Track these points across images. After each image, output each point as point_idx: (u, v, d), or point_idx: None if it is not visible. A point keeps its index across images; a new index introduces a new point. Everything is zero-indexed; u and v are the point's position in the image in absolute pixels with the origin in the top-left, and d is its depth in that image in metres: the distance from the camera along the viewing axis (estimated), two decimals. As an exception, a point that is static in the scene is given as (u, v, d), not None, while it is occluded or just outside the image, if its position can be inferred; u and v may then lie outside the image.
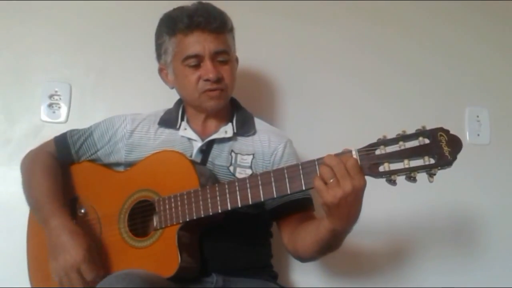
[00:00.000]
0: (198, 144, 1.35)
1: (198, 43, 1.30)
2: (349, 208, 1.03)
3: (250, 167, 1.33)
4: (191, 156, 1.33)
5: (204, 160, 1.33)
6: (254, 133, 1.39)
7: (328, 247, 1.18)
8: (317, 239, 1.17)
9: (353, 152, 1.02)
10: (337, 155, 1.03)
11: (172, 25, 1.32)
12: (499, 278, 1.79)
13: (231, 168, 1.33)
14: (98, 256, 1.23)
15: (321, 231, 1.13)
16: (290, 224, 1.31)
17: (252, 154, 1.35)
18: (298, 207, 1.32)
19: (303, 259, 1.32)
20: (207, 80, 1.30)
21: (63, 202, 1.30)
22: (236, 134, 1.37)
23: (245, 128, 1.39)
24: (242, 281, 1.26)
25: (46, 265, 1.35)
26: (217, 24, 1.30)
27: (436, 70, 1.90)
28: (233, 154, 1.35)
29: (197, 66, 1.31)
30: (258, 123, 1.43)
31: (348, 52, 1.85)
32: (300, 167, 1.07)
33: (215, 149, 1.35)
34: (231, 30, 1.37)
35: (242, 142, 1.37)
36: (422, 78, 1.88)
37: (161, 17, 1.37)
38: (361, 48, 1.85)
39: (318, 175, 1.03)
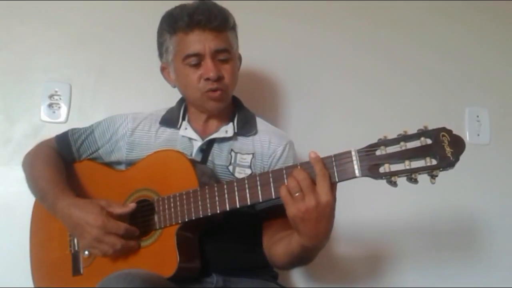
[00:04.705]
0: (198, 143, 1.35)
1: (198, 41, 1.28)
2: (315, 225, 1.01)
3: (250, 167, 1.33)
4: (191, 155, 1.32)
5: (204, 160, 1.32)
6: (255, 133, 1.38)
7: (299, 261, 1.18)
8: (287, 251, 1.16)
9: (353, 153, 1.00)
10: (305, 163, 1.02)
11: (173, 23, 1.31)
12: (500, 279, 1.79)
13: (230, 168, 1.32)
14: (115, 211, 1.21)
15: (292, 244, 1.11)
16: (272, 228, 1.28)
17: (252, 154, 1.34)
18: (283, 212, 1.29)
19: (275, 266, 1.30)
20: (207, 79, 1.29)
21: (66, 185, 1.30)
22: (236, 134, 1.36)
23: (247, 128, 1.38)
24: (242, 281, 1.25)
25: (49, 264, 1.36)
26: (217, 23, 1.29)
27: (436, 70, 1.90)
28: (232, 153, 1.34)
29: (197, 65, 1.30)
30: (260, 123, 1.42)
31: (349, 52, 1.85)
32: (299, 167, 1.05)
33: (216, 149, 1.34)
34: (233, 27, 1.35)
35: (243, 142, 1.36)
36: (422, 78, 1.88)
37: (163, 15, 1.36)
38: (362, 49, 1.85)
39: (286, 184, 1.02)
